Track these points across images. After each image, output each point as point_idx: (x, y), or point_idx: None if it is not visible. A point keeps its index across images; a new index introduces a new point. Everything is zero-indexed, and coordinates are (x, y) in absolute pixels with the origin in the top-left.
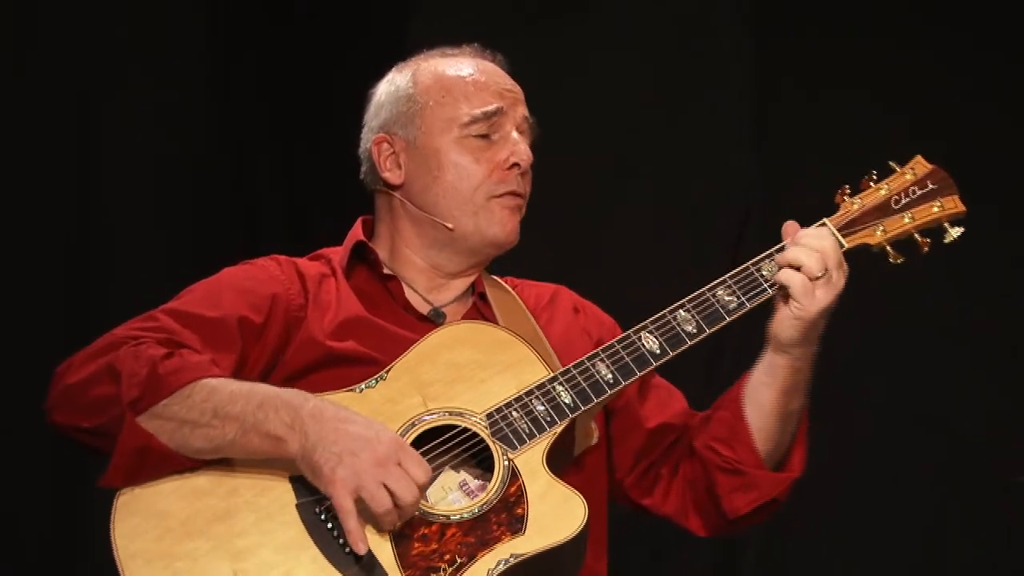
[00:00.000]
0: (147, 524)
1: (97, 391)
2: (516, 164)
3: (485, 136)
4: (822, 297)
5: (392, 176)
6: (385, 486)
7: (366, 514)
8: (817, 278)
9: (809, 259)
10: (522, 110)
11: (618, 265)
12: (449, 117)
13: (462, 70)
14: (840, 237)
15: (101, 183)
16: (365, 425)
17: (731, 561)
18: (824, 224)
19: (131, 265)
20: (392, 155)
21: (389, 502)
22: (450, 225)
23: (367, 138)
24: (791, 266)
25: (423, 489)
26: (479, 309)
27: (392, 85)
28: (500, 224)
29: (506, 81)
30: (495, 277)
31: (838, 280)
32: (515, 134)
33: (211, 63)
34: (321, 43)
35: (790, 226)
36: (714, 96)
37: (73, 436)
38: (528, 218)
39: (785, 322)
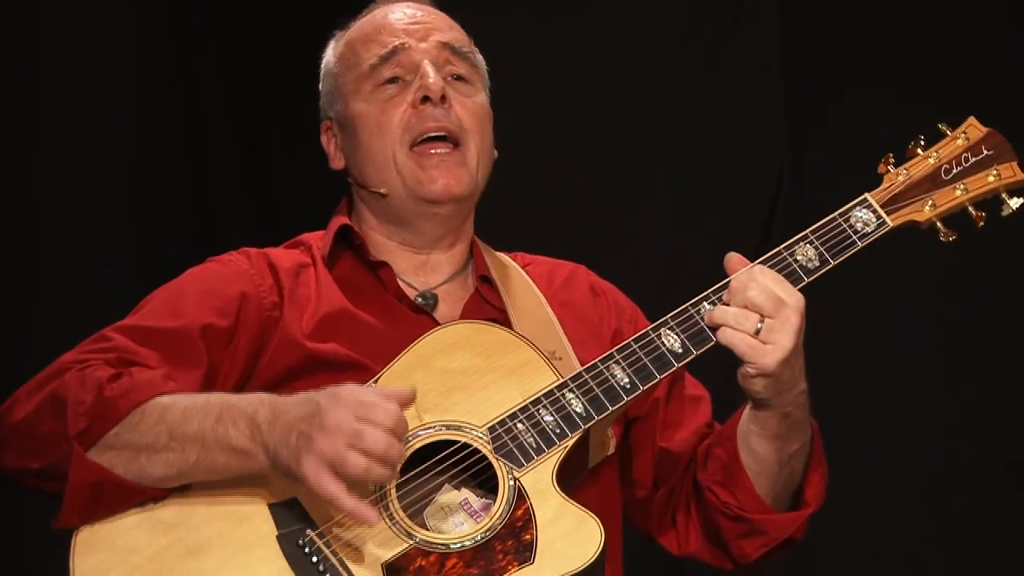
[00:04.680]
0: (111, 562)
1: (43, 427)
2: (425, 98)
3: (394, 80)
4: (773, 348)
5: (335, 161)
6: (353, 447)
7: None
8: (757, 331)
9: (737, 317)
10: (438, 37)
11: (643, 246)
12: (355, 77)
13: (367, 24)
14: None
15: (41, 169)
16: (304, 404)
17: None
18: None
19: (76, 258)
20: (333, 139)
21: (364, 460)
22: (383, 191)
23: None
24: (727, 325)
25: (397, 430)
26: (482, 294)
27: (322, 64)
28: (429, 180)
29: (413, 15)
30: (502, 254)
31: (787, 320)
32: (425, 65)
33: (169, 33)
34: (292, 14)
35: (731, 260)
36: (741, 66)
37: (24, 481)
38: (547, 194)
39: (748, 379)
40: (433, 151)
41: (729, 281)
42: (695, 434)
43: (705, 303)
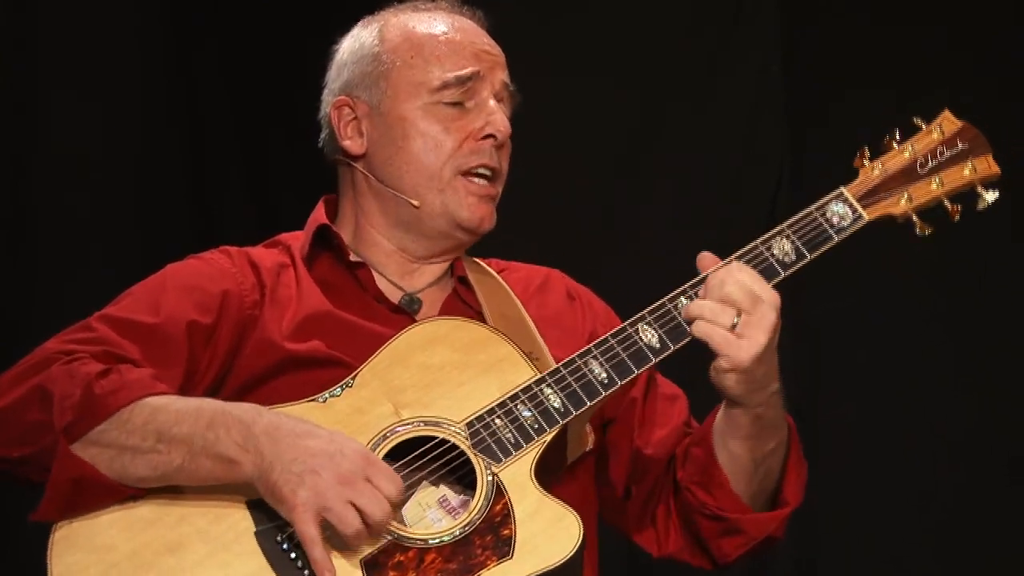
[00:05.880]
0: (89, 560)
1: (27, 417)
2: (491, 136)
3: (458, 103)
4: (748, 344)
5: (352, 145)
6: (353, 504)
7: (334, 539)
8: (733, 326)
9: (714, 311)
10: (501, 75)
11: (643, 246)
12: (418, 81)
13: (435, 27)
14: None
15: (41, 169)
16: (327, 439)
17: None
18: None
19: (76, 258)
20: (353, 121)
21: (359, 522)
22: (415, 203)
23: (327, 101)
24: (702, 319)
25: (396, 505)
26: (459, 294)
27: (356, 42)
28: (468, 208)
29: (484, 42)
30: (478, 260)
31: (763, 316)
32: (492, 102)
33: (169, 33)
34: (292, 15)
35: (704, 259)
36: (741, 66)
37: (1, 468)
38: (547, 194)
39: (722, 375)
40: (477, 182)
41: (706, 276)
42: (673, 434)
43: (683, 297)
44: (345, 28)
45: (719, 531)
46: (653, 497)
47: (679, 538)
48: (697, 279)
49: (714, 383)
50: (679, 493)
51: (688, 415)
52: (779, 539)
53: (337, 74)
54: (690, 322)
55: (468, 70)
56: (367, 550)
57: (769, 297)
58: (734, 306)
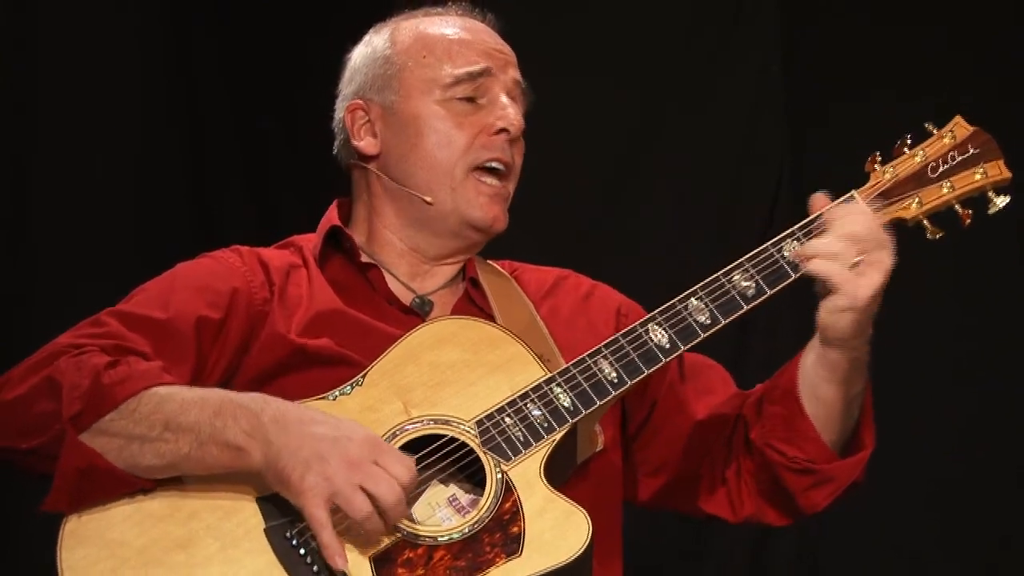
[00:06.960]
0: (99, 555)
1: (36, 408)
2: (504, 130)
3: (470, 99)
4: (868, 282)
5: (366, 145)
6: (363, 489)
7: (345, 534)
8: (856, 264)
9: (839, 247)
10: (513, 73)
11: (643, 246)
12: (430, 78)
13: (446, 28)
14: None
15: (41, 169)
16: (333, 425)
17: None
18: (852, 196)
19: (76, 259)
20: (367, 123)
21: (369, 506)
22: (428, 199)
23: (341, 107)
24: (823, 256)
25: (407, 488)
26: (471, 296)
27: (368, 47)
28: (481, 208)
29: (495, 41)
30: (491, 262)
31: (882, 258)
32: (504, 98)
33: (169, 33)
34: (292, 14)
35: (817, 199)
36: (741, 66)
37: (11, 459)
38: (547, 194)
39: (835, 315)
40: (489, 181)
41: (813, 220)
42: (728, 399)
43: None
44: (345, 28)
45: (809, 484)
46: (718, 463)
47: (754, 498)
48: (802, 223)
49: (824, 323)
50: (754, 453)
51: (735, 386)
52: (862, 483)
53: (350, 80)
54: (800, 260)
55: (479, 66)
56: (376, 545)
57: (886, 240)
58: (858, 243)
